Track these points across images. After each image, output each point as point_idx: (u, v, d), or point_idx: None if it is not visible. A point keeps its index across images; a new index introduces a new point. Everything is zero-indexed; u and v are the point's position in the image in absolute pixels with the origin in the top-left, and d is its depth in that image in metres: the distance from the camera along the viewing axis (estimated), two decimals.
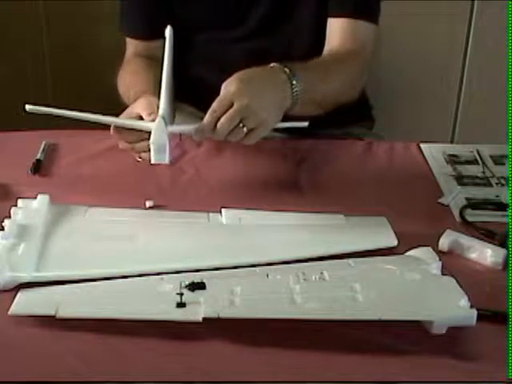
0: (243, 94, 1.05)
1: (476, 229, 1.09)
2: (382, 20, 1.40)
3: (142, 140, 1.10)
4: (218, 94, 1.10)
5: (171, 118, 1.14)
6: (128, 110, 1.15)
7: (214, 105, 1.05)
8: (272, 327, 0.88)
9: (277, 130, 1.18)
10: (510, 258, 1.02)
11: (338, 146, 1.36)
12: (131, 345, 0.86)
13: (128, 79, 1.35)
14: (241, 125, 1.05)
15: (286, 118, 1.14)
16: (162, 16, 1.39)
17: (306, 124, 1.11)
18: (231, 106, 1.05)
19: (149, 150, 1.08)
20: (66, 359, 0.84)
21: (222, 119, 1.04)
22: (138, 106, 1.13)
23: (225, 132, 1.05)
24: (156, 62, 1.39)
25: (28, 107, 1.07)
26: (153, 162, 1.07)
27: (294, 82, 1.13)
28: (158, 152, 1.05)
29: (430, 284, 0.93)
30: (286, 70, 1.14)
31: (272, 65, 1.16)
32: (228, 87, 1.06)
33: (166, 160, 1.06)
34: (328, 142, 1.38)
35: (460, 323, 0.87)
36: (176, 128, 1.10)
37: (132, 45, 1.45)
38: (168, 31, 1.21)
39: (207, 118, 1.05)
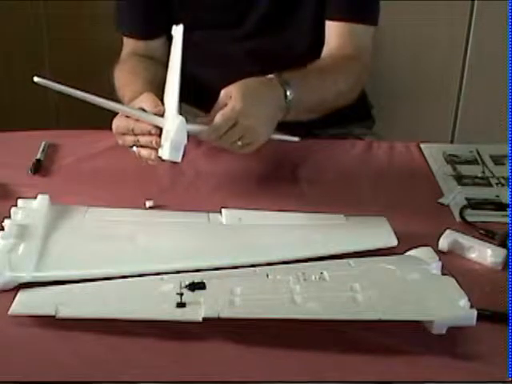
0: (247, 115, 1.08)
1: (476, 229, 1.09)
2: (382, 20, 1.40)
3: (148, 135, 1.09)
4: (216, 92, 1.11)
5: None
6: (131, 105, 1.14)
7: (219, 121, 1.07)
8: (272, 327, 0.88)
9: None
10: (510, 258, 1.02)
11: (338, 145, 1.36)
12: (131, 345, 0.86)
13: (125, 78, 1.34)
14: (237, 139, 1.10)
15: (281, 123, 1.16)
16: (162, 15, 1.39)
17: (296, 139, 1.18)
18: (235, 123, 1.08)
19: (152, 148, 1.08)
20: (66, 359, 0.84)
21: (224, 136, 1.09)
22: (143, 101, 1.12)
23: (223, 146, 1.12)
24: (154, 61, 1.39)
25: (36, 79, 1.04)
26: (167, 158, 1.06)
27: (288, 94, 1.16)
28: (175, 150, 1.05)
29: (429, 284, 0.93)
30: (282, 81, 1.16)
31: (270, 77, 1.17)
32: (233, 104, 1.08)
33: (179, 159, 1.06)
34: (328, 142, 1.38)
35: (460, 323, 0.88)
36: (189, 127, 1.09)
37: (129, 44, 1.44)
38: (178, 30, 1.17)
39: (211, 132, 1.08)
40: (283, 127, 1.18)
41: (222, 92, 1.11)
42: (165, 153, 1.06)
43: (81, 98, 1.06)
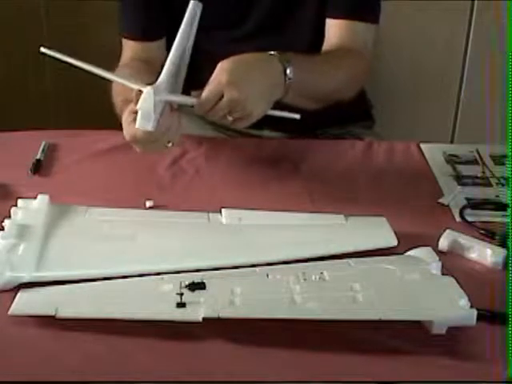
0: (233, 88, 1.06)
1: (476, 229, 1.09)
2: (382, 20, 1.40)
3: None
4: None
5: (173, 88, 1.14)
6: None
7: (205, 95, 1.08)
8: (272, 327, 0.88)
9: (273, 126, 1.19)
10: (510, 258, 1.02)
11: (337, 145, 1.36)
12: (131, 345, 0.87)
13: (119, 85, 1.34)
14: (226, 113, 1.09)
15: (280, 109, 1.14)
16: (163, 15, 1.39)
17: (297, 116, 1.11)
18: (222, 96, 1.07)
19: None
20: (65, 359, 0.84)
21: (211, 112, 1.08)
22: None
23: (213, 119, 1.11)
24: (153, 65, 1.38)
25: (43, 50, 1.07)
26: (137, 126, 1.06)
27: (288, 72, 1.14)
28: (143, 118, 1.06)
29: (430, 284, 0.93)
30: (283, 58, 1.15)
31: (271, 52, 1.16)
32: (219, 77, 1.08)
33: (150, 127, 1.06)
34: (328, 142, 1.38)
35: (460, 323, 0.88)
36: (172, 97, 1.10)
37: (129, 47, 1.42)
38: (192, 4, 1.19)
39: (199, 108, 1.09)
40: (283, 125, 1.17)
41: (217, 66, 1.10)
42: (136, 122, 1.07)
43: (86, 69, 1.13)
